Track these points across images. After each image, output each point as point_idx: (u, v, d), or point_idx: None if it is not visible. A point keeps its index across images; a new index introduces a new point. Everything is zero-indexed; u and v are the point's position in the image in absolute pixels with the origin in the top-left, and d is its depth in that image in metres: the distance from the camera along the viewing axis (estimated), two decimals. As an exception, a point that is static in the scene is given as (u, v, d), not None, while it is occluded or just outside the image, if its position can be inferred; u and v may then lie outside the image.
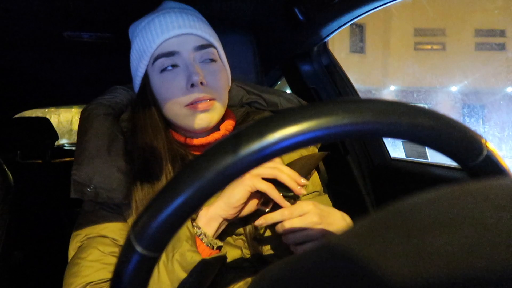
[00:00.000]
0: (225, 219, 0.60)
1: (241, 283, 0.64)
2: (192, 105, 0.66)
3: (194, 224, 0.60)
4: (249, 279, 0.65)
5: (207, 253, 0.59)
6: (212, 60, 0.69)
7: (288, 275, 0.21)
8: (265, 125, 0.24)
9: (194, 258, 0.55)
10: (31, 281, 1.81)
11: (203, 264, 0.56)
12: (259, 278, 0.25)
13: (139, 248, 0.24)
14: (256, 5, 0.95)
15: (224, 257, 0.61)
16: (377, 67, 15.37)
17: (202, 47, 0.68)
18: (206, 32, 0.69)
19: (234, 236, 0.68)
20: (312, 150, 0.77)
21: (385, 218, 0.20)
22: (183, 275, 0.56)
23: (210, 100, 0.67)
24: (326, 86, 1.29)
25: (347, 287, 0.17)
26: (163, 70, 0.67)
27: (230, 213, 0.59)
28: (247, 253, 0.67)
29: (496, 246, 0.15)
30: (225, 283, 0.64)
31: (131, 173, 0.65)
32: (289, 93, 0.88)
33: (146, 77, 0.71)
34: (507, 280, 0.14)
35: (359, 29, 15.21)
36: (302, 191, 0.59)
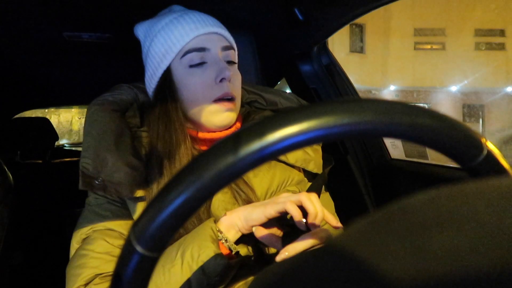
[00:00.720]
0: (240, 231, 0.60)
1: (241, 283, 0.64)
2: (220, 101, 0.68)
3: (217, 228, 0.60)
4: (249, 279, 0.65)
5: (228, 257, 0.59)
6: (233, 62, 0.73)
7: (287, 275, 0.21)
8: (265, 125, 0.24)
9: (220, 261, 0.55)
10: (31, 281, 1.81)
11: (227, 267, 0.56)
12: (259, 278, 0.25)
13: (139, 248, 0.24)
14: (256, 5, 0.95)
15: (243, 261, 0.61)
16: (377, 67, 15.37)
17: (227, 48, 0.71)
18: (227, 33, 0.73)
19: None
20: (315, 148, 0.78)
21: (384, 218, 0.20)
22: (206, 277, 0.55)
23: (232, 99, 0.69)
24: (326, 86, 1.29)
25: (346, 287, 0.17)
26: (192, 65, 0.68)
27: (245, 227, 0.59)
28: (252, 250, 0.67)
29: (496, 245, 0.15)
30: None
31: (139, 168, 0.65)
32: (288, 92, 0.89)
33: (168, 72, 0.71)
34: (507, 280, 0.14)
35: (359, 29, 15.21)
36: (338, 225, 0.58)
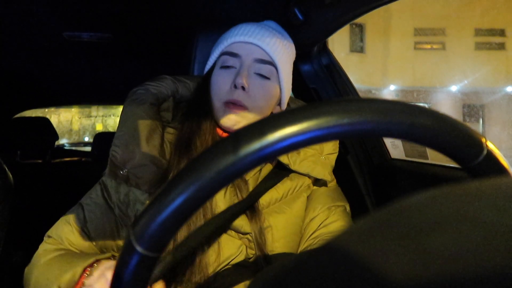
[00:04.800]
0: None
1: (241, 285, 0.64)
2: (227, 104, 0.71)
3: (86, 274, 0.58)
4: (247, 282, 0.65)
5: None
6: (265, 77, 0.74)
7: (287, 275, 0.21)
8: (265, 125, 0.24)
9: None
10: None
11: None
12: (257, 279, 0.25)
13: (139, 248, 0.24)
14: (256, 5, 0.95)
15: None
16: (377, 66, 15.35)
17: (262, 61, 0.73)
18: (273, 50, 0.74)
19: (240, 234, 0.68)
20: (320, 147, 0.78)
21: (384, 218, 0.20)
22: None
23: (243, 107, 0.71)
24: (326, 86, 1.29)
25: (346, 287, 0.17)
26: (223, 66, 0.74)
27: None
28: (251, 252, 0.68)
29: (496, 245, 0.15)
30: (225, 285, 0.64)
31: (162, 167, 0.68)
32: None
33: (212, 68, 0.77)
34: (507, 279, 0.14)
35: (359, 28, 15.20)
36: None
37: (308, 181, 0.78)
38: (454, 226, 0.17)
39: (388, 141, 1.27)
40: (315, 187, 0.79)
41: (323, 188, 0.79)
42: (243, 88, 0.70)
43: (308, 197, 0.78)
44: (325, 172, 0.76)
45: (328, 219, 0.74)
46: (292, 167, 0.74)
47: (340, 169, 1.29)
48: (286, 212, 0.73)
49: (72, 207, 0.71)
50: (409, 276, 0.15)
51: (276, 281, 0.22)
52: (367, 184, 1.23)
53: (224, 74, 0.73)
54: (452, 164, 0.93)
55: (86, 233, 0.68)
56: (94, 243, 0.68)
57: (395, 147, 1.26)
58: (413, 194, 0.20)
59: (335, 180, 0.83)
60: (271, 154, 0.24)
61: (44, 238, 0.69)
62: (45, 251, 0.66)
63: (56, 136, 2.17)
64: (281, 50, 0.77)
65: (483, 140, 0.28)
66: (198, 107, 0.75)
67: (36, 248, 0.68)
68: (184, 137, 0.71)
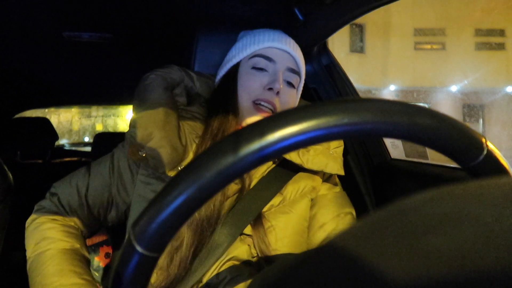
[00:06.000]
0: None
1: (241, 285, 0.64)
2: (259, 105, 0.73)
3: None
4: (248, 281, 0.65)
5: None
6: (292, 86, 0.78)
7: (287, 275, 0.21)
8: (265, 125, 0.24)
9: None
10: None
11: None
12: (258, 278, 0.25)
13: (139, 248, 0.24)
14: (256, 5, 0.95)
15: None
16: (377, 66, 15.35)
17: (292, 70, 0.77)
18: (301, 61, 0.80)
19: (243, 235, 0.69)
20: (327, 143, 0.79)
21: (384, 218, 0.19)
22: None
23: (271, 110, 0.73)
24: (326, 86, 1.29)
25: (346, 287, 0.17)
26: (255, 67, 0.76)
27: None
28: (254, 252, 0.68)
29: (496, 245, 0.15)
30: (224, 283, 0.64)
31: (179, 149, 0.69)
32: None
33: (237, 65, 0.79)
34: (507, 279, 0.14)
35: (359, 28, 15.20)
36: None
37: (313, 183, 0.78)
38: (454, 226, 0.17)
39: (388, 141, 1.27)
40: (321, 193, 0.79)
41: (330, 194, 0.79)
42: (277, 92, 0.73)
43: (314, 200, 0.78)
44: (338, 166, 0.77)
45: (337, 228, 0.74)
46: (306, 165, 0.74)
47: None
48: (289, 213, 0.73)
49: (81, 169, 0.76)
50: (409, 276, 0.15)
51: (275, 281, 0.22)
52: (367, 184, 1.23)
53: (257, 75, 0.75)
54: (452, 164, 0.93)
55: (85, 201, 0.73)
56: (90, 212, 0.74)
57: (395, 147, 1.26)
58: (413, 194, 0.20)
59: (340, 184, 0.83)
60: (271, 154, 0.24)
61: (48, 194, 0.76)
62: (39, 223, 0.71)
63: (56, 136, 2.17)
64: (302, 59, 0.81)
65: (483, 140, 0.28)
66: (225, 104, 0.76)
67: None
68: (207, 136, 0.72)
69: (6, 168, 0.98)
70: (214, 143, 0.25)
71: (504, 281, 0.14)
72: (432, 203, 0.19)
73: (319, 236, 0.74)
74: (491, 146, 0.28)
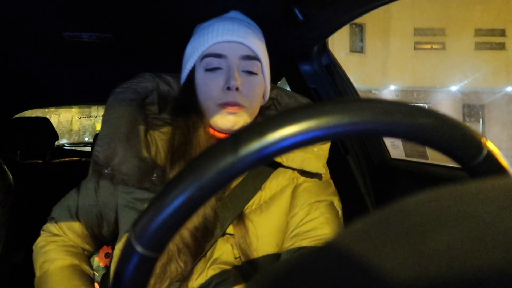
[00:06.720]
0: None
1: (240, 286, 0.64)
2: (225, 105, 0.71)
3: None
4: (236, 287, 0.65)
5: None
6: (253, 73, 0.74)
7: (286, 275, 0.21)
8: (265, 125, 0.24)
9: None
10: (31, 281, 1.80)
11: None
12: (257, 278, 0.25)
13: (139, 248, 0.24)
14: (256, 5, 0.95)
15: None
16: (377, 67, 15.35)
17: (248, 57, 0.73)
18: (255, 45, 0.74)
19: (227, 235, 0.69)
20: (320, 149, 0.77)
21: (384, 218, 0.20)
22: None
23: (239, 106, 0.71)
24: (326, 86, 1.29)
25: (346, 287, 0.17)
26: (208, 69, 0.72)
27: None
28: (237, 253, 0.68)
29: (496, 245, 0.15)
30: (212, 283, 0.64)
31: (148, 160, 0.69)
32: (301, 95, 0.88)
33: (193, 71, 0.76)
34: (508, 279, 0.14)
35: (359, 28, 15.21)
36: None
37: (292, 174, 0.75)
38: (454, 226, 0.17)
39: (388, 141, 1.27)
40: (299, 182, 0.75)
41: (306, 183, 0.75)
42: (237, 89, 0.70)
43: (292, 191, 0.75)
44: (319, 164, 0.73)
45: (308, 216, 0.71)
46: (285, 163, 0.72)
47: (340, 169, 1.29)
48: (269, 209, 0.71)
49: (73, 190, 0.78)
50: (409, 276, 0.15)
51: (275, 281, 0.22)
52: (367, 184, 1.23)
53: (212, 77, 0.72)
54: (452, 164, 0.93)
55: (77, 221, 0.75)
56: (85, 230, 0.76)
57: (395, 147, 1.26)
58: (413, 194, 0.20)
59: (327, 173, 0.79)
60: (271, 154, 0.24)
61: (48, 218, 0.80)
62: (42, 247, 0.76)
63: (56, 136, 2.17)
64: (259, 42, 0.76)
65: (483, 140, 0.28)
66: (188, 109, 0.74)
67: None
68: (176, 139, 0.71)
69: (6, 168, 0.98)
70: (214, 143, 0.25)
71: (504, 281, 0.14)
72: (432, 203, 0.19)
73: (290, 226, 0.71)
74: (491, 146, 0.28)
